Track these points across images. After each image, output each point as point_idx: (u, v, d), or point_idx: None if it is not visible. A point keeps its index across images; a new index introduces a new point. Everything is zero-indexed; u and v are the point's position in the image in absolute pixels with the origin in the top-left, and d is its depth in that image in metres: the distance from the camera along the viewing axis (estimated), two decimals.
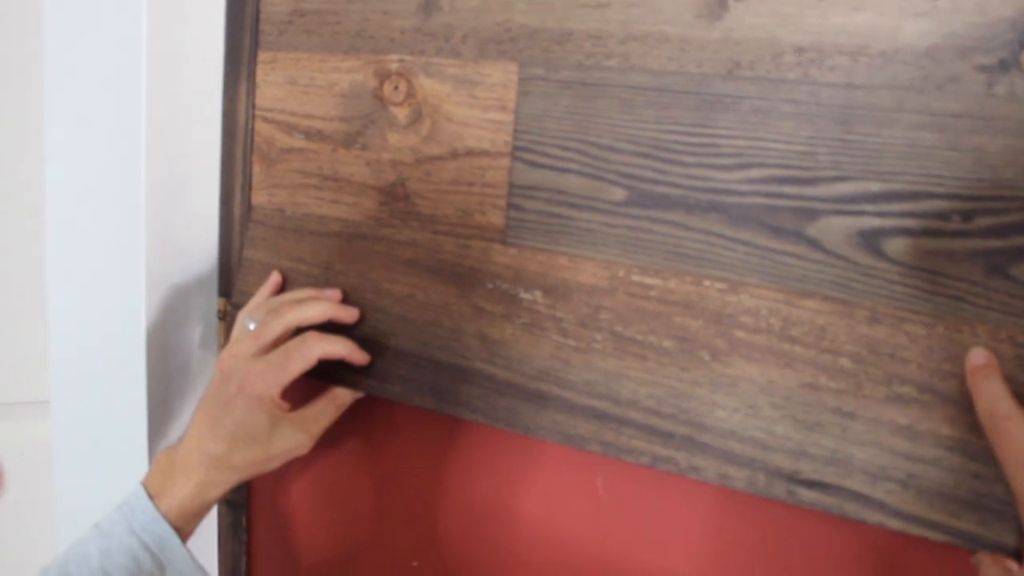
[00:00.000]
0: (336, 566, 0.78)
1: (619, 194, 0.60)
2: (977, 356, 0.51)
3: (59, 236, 0.75)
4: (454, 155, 0.65)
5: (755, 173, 0.56)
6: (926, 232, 0.52)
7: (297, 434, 0.63)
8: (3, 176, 0.91)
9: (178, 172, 0.73)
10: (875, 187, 0.53)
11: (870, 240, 0.53)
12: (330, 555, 0.78)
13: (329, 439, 0.74)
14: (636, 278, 0.60)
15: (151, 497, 0.64)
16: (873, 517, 0.53)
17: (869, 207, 0.53)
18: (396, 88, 0.67)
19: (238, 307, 0.74)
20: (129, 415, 0.77)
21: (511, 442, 0.67)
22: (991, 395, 0.49)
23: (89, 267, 0.75)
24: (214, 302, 0.79)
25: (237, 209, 0.76)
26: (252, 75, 0.73)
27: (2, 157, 0.91)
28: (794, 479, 0.55)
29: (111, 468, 0.79)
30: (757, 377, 0.56)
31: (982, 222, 0.51)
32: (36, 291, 0.81)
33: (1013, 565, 0.48)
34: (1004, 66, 0.49)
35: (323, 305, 0.67)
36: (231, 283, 0.78)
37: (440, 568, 0.72)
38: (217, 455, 0.63)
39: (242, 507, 0.81)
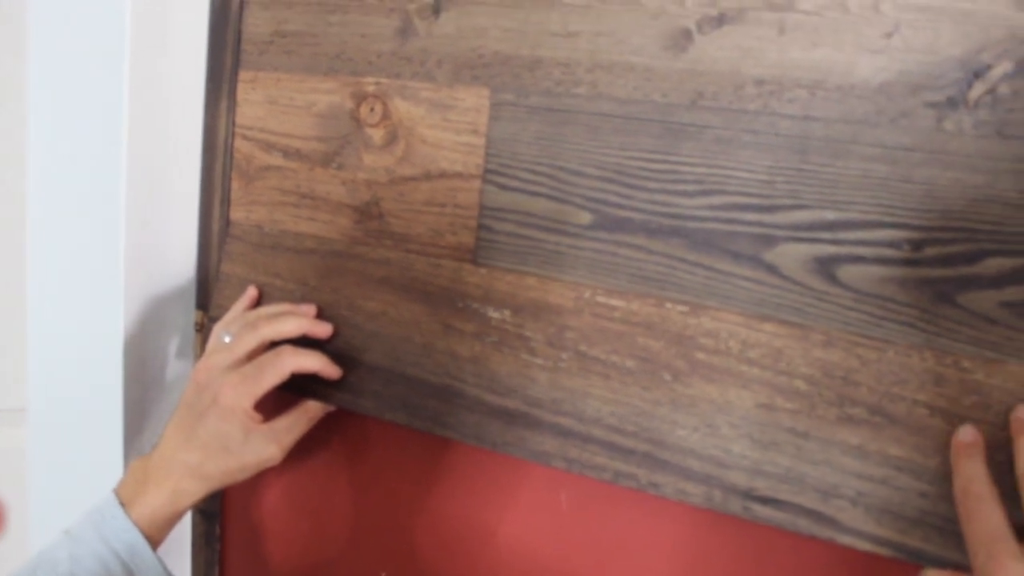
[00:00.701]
0: (306, 574, 0.79)
1: (586, 218, 0.61)
2: (964, 434, 0.52)
3: (39, 248, 0.76)
4: (427, 176, 0.67)
5: (716, 200, 0.58)
6: (878, 260, 0.54)
7: (269, 445, 0.65)
8: None
9: (158, 186, 0.75)
10: (830, 216, 0.55)
11: (825, 267, 0.55)
12: (301, 565, 0.79)
13: (303, 451, 0.76)
14: (601, 299, 0.61)
15: (123, 504, 0.65)
16: (824, 533, 0.55)
17: (825, 235, 0.55)
18: (372, 110, 0.68)
19: (215, 320, 0.76)
20: (105, 424, 0.78)
21: (480, 457, 0.69)
22: (969, 474, 0.50)
23: (68, 278, 0.76)
24: (191, 315, 0.80)
25: (216, 224, 0.77)
26: (233, 93, 0.75)
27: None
28: (749, 496, 0.57)
29: (86, 475, 0.80)
30: (716, 397, 0.58)
31: (931, 252, 0.53)
32: (15, 301, 0.82)
33: None
34: (952, 103, 0.52)
35: (298, 320, 0.68)
36: (208, 296, 0.79)
37: None
38: (190, 464, 0.64)
39: (215, 516, 0.82)
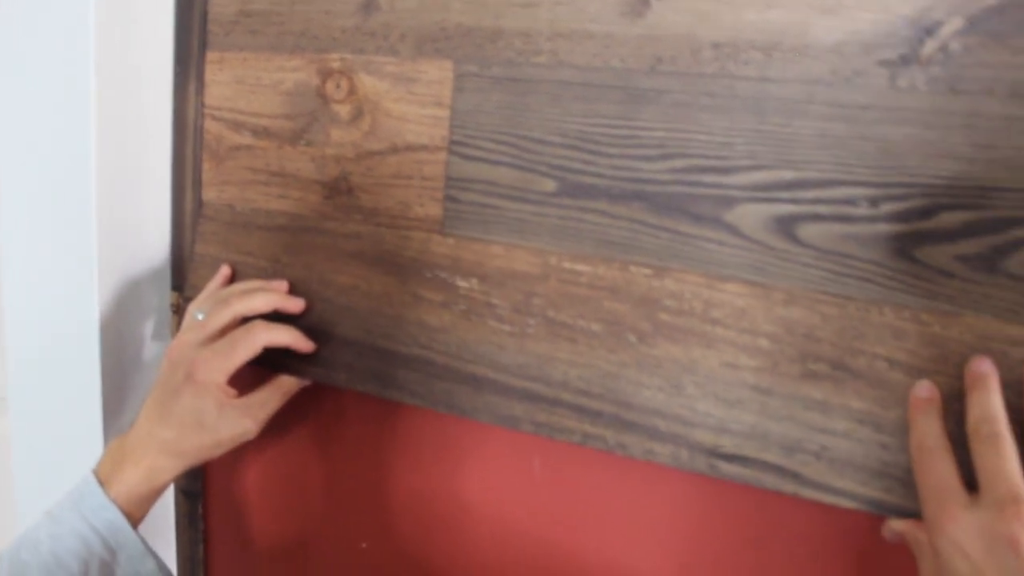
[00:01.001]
0: (290, 549, 0.80)
1: (550, 185, 0.62)
2: (920, 389, 0.53)
3: (10, 235, 0.76)
4: (394, 150, 0.67)
5: (677, 163, 0.58)
6: (836, 218, 0.55)
7: (243, 420, 0.65)
8: None
9: (129, 169, 0.75)
10: (788, 175, 0.56)
11: (785, 226, 0.56)
12: (284, 539, 0.80)
13: (281, 427, 0.76)
14: (567, 265, 0.62)
15: (101, 483, 0.65)
16: (788, 488, 0.56)
17: (783, 194, 0.56)
18: (338, 86, 0.69)
19: (190, 300, 0.76)
20: (84, 407, 0.78)
21: (453, 425, 0.70)
22: (923, 430, 0.51)
23: (42, 264, 0.76)
24: (167, 296, 0.80)
25: (188, 205, 0.78)
26: (201, 75, 0.75)
27: None
28: (715, 453, 0.58)
29: (68, 459, 0.80)
30: (680, 358, 0.59)
31: (888, 208, 0.54)
32: None
33: None
34: (905, 61, 0.52)
35: (269, 295, 0.69)
36: (183, 277, 0.80)
37: (387, 549, 0.74)
38: (166, 441, 0.65)
39: (198, 496, 0.83)
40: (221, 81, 0.75)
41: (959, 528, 0.47)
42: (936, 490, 0.49)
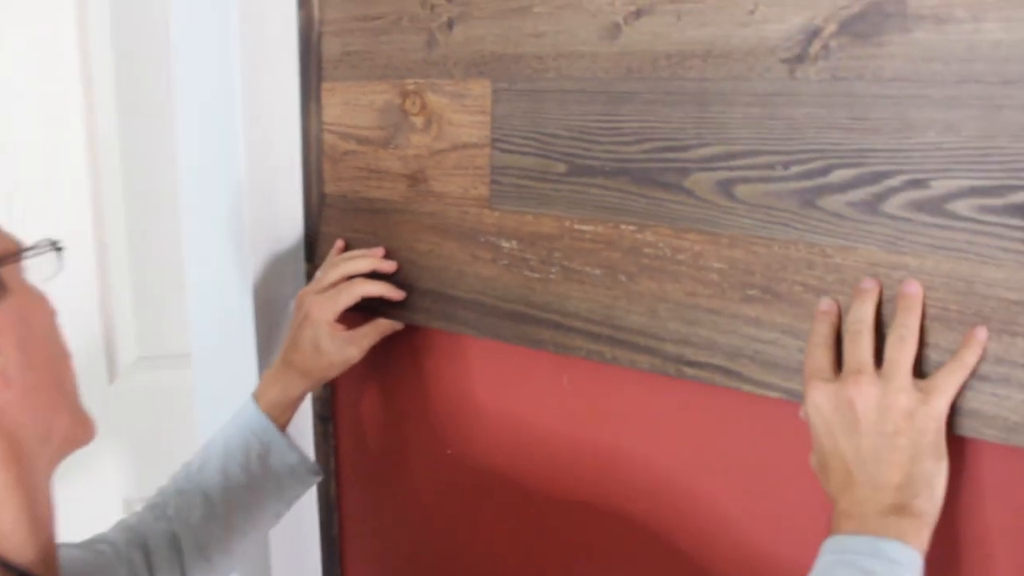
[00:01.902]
0: (396, 457, 1.04)
1: (561, 168, 0.84)
2: (822, 303, 0.70)
3: (190, 224, 1.05)
4: (454, 148, 0.91)
5: (647, 146, 0.78)
6: (760, 179, 0.74)
7: (349, 347, 0.90)
8: (152, 180, 1.23)
9: (270, 172, 1.02)
10: (724, 149, 0.75)
11: (725, 187, 0.75)
12: (391, 449, 1.05)
13: (381, 364, 1.01)
14: (576, 227, 0.83)
15: (255, 399, 0.92)
16: (733, 384, 0.75)
17: (722, 164, 0.75)
18: (414, 103, 0.93)
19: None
20: (244, 353, 1.05)
21: (502, 352, 0.92)
22: (816, 330, 0.69)
23: (211, 246, 1.04)
24: (302, 266, 1.07)
25: (314, 197, 1.04)
26: (319, 99, 1.01)
27: (151, 168, 1.23)
28: (680, 361, 0.78)
29: (234, 392, 1.08)
30: (656, 290, 0.79)
31: (796, 169, 0.72)
32: (176, 268, 1.11)
33: None
34: (799, 58, 0.71)
35: (369, 259, 0.93)
36: (314, 251, 1.06)
37: (466, 452, 0.97)
38: (294, 363, 0.90)
39: (329, 419, 1.09)
40: (333, 104, 1.00)
41: (819, 394, 0.65)
42: (810, 371, 0.67)
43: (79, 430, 0.62)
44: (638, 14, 0.77)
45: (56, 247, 0.62)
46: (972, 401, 0.66)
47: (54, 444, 0.59)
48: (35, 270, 0.61)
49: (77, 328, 1.19)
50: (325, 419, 1.09)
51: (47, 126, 1.21)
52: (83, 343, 1.29)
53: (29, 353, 0.57)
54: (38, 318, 0.59)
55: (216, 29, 0.96)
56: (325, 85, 1.00)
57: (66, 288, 1.02)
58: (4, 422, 0.55)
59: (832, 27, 0.69)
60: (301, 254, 1.06)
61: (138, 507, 0.90)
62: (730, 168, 0.75)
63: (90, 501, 1.35)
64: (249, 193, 1.00)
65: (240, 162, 0.98)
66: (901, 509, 0.60)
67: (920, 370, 0.67)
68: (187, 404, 1.21)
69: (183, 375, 1.24)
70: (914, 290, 0.67)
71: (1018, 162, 0.62)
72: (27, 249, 0.60)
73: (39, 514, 0.57)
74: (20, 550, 0.55)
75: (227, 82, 0.96)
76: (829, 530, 0.64)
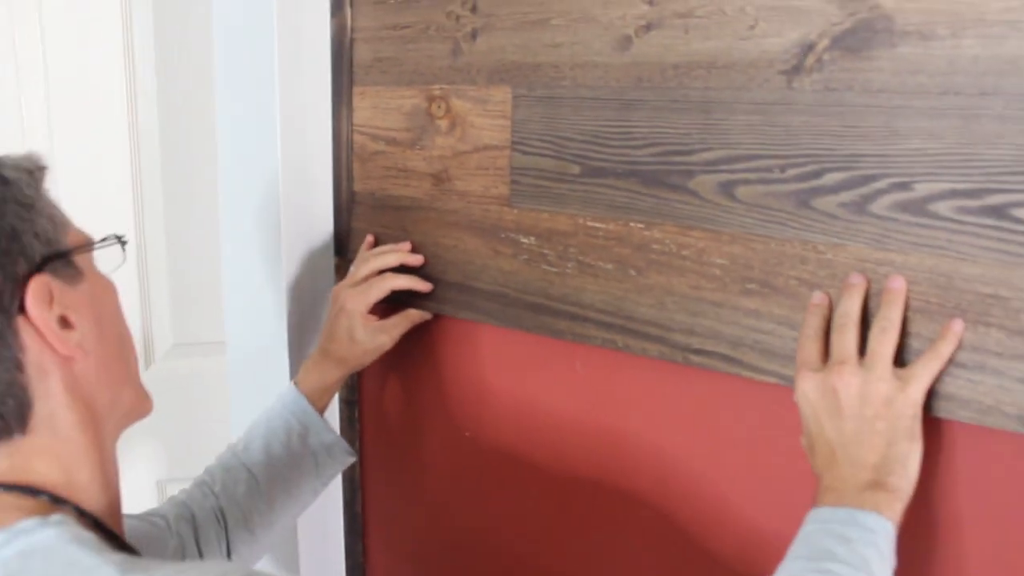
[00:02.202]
0: (416, 439, 1.11)
1: (576, 169, 0.90)
2: (815, 297, 0.76)
3: (228, 219, 1.12)
4: (477, 149, 0.97)
5: (656, 150, 0.85)
6: (760, 181, 0.80)
7: (380, 336, 0.97)
8: (189, 179, 1.31)
9: (304, 172, 1.09)
10: (726, 153, 0.81)
11: (727, 189, 0.82)
12: (413, 432, 1.12)
13: (407, 354, 1.08)
14: (590, 224, 0.90)
15: (296, 385, 0.99)
16: (733, 370, 0.82)
17: (724, 167, 0.81)
18: (439, 107, 0.99)
19: (350, 262, 1.09)
20: (277, 341, 1.12)
21: (521, 341, 0.98)
22: (807, 322, 0.75)
23: (246, 240, 1.11)
24: (331, 260, 1.14)
25: (344, 195, 1.10)
26: (350, 103, 1.08)
27: (188, 167, 1.30)
28: (687, 349, 0.84)
29: (267, 380, 1.15)
30: (664, 284, 0.86)
31: (792, 172, 0.78)
32: (209, 261, 1.19)
33: None
34: (796, 70, 0.77)
35: (397, 254, 1.00)
36: (343, 245, 1.13)
37: (483, 435, 1.04)
38: (330, 351, 0.98)
39: (355, 404, 1.16)
40: (363, 107, 1.07)
41: (807, 383, 0.71)
42: (800, 361, 0.74)
43: (140, 403, 0.70)
44: (648, 28, 0.83)
45: (121, 241, 0.69)
46: (949, 386, 0.72)
47: (119, 414, 0.67)
48: (104, 260, 0.68)
49: None
50: (351, 404, 1.17)
51: (93, 131, 1.28)
52: None
53: (101, 330, 0.64)
54: (108, 301, 0.67)
55: (255, 37, 1.03)
56: (356, 89, 1.07)
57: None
58: (82, 389, 0.62)
59: (825, 42, 0.75)
60: (331, 248, 1.13)
61: (171, 488, 0.98)
62: (731, 171, 0.81)
63: (125, 482, 1.42)
64: (284, 190, 1.07)
65: (276, 161, 1.05)
66: (877, 485, 0.67)
67: (902, 358, 0.73)
68: (218, 390, 1.28)
69: (215, 362, 1.32)
70: (898, 285, 0.73)
71: (994, 167, 0.68)
72: (98, 241, 0.67)
73: (108, 475, 0.65)
74: (94, 503, 0.63)
75: (266, 85, 1.03)
76: (814, 503, 0.70)
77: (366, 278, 0.99)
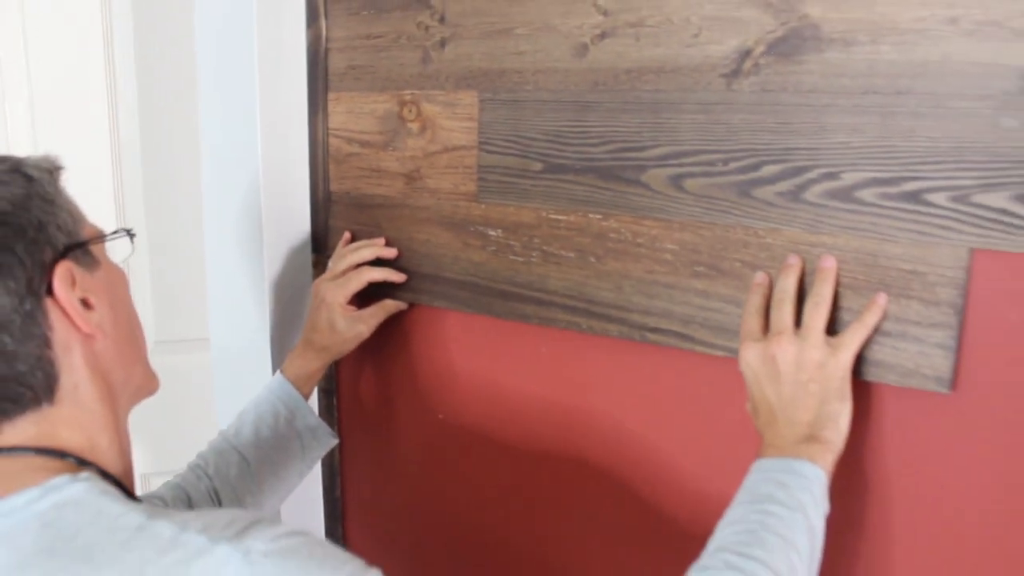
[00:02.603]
0: (391, 423, 1.18)
1: (538, 166, 0.98)
2: (756, 277, 0.84)
3: (212, 218, 1.18)
4: (446, 150, 1.05)
5: (610, 147, 0.93)
6: (704, 174, 0.88)
7: (359, 325, 1.05)
8: (170, 182, 1.37)
9: (283, 174, 1.15)
10: (674, 149, 0.89)
11: (675, 181, 0.90)
12: (387, 416, 1.19)
13: (383, 344, 1.15)
14: (552, 216, 0.98)
15: (282, 372, 1.06)
16: (686, 345, 0.90)
17: (673, 161, 0.90)
18: (410, 111, 1.07)
19: (328, 258, 1.15)
20: (259, 335, 1.19)
21: (491, 326, 1.06)
22: (749, 299, 0.84)
23: (229, 237, 1.17)
24: (309, 256, 1.20)
25: (321, 195, 1.17)
26: (325, 108, 1.15)
27: (169, 169, 1.36)
28: (643, 328, 0.93)
29: (251, 373, 1.21)
30: (620, 269, 0.94)
31: (733, 165, 0.87)
32: (190, 260, 1.25)
33: None
34: (735, 73, 0.85)
35: (373, 248, 1.07)
36: (320, 243, 1.19)
37: (455, 416, 1.11)
38: (313, 341, 1.04)
39: (333, 392, 1.23)
40: (338, 112, 1.14)
41: (749, 352, 0.80)
42: (744, 334, 0.82)
43: (149, 381, 0.76)
44: (603, 36, 0.92)
45: (130, 233, 0.76)
46: (876, 353, 0.81)
47: (131, 390, 0.74)
48: (114, 251, 0.75)
49: None
50: (329, 392, 1.23)
51: (75, 135, 1.34)
52: None
53: (116, 313, 0.71)
54: (120, 287, 0.74)
55: (236, 46, 1.09)
56: (331, 95, 1.14)
57: None
58: (101, 366, 0.69)
59: (761, 48, 0.84)
60: (309, 246, 1.20)
61: (155, 482, 1.04)
62: (679, 165, 0.89)
63: None
64: (265, 191, 1.13)
65: (257, 163, 1.12)
66: (811, 439, 0.75)
67: (834, 328, 0.82)
68: (201, 387, 1.34)
69: (198, 359, 1.38)
70: (829, 264, 0.82)
71: (909, 158, 0.77)
72: (110, 234, 0.74)
73: (123, 444, 0.72)
74: (112, 467, 0.69)
75: (247, 92, 1.10)
76: (757, 458, 0.78)
77: (344, 272, 1.06)
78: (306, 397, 1.07)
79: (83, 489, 0.63)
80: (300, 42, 1.14)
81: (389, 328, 1.13)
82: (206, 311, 1.28)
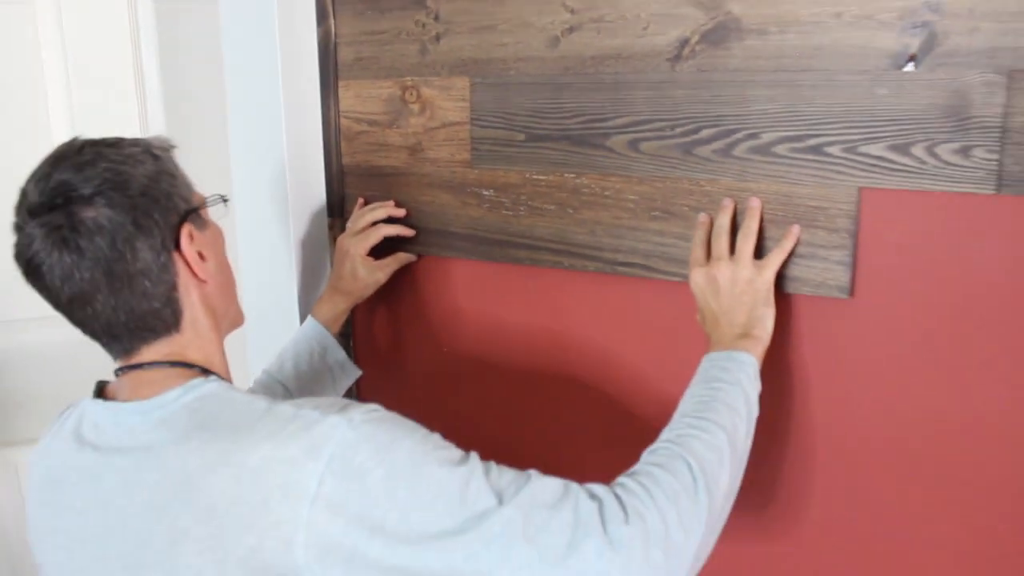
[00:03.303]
0: (402, 357, 1.41)
1: (521, 137, 1.21)
2: (700, 216, 1.09)
3: (240, 185, 1.39)
4: (443, 126, 1.27)
5: (581, 119, 1.16)
6: (656, 138, 1.12)
7: (377, 272, 1.27)
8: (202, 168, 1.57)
9: (303, 151, 1.37)
10: (631, 119, 1.13)
11: (633, 145, 1.13)
12: (399, 353, 1.42)
13: (395, 291, 1.37)
14: (535, 177, 1.21)
15: (312, 316, 1.28)
16: (650, 275, 1.14)
17: (631, 128, 1.13)
18: (411, 94, 1.29)
19: (343, 221, 1.37)
20: (287, 290, 1.41)
21: (490, 271, 1.29)
22: (696, 235, 1.07)
23: (261, 205, 1.39)
24: (325, 219, 1.42)
25: (334, 168, 1.39)
26: (336, 93, 1.36)
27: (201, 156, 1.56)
28: (614, 263, 1.17)
29: (282, 319, 1.43)
30: (593, 217, 1.17)
31: (679, 130, 1.10)
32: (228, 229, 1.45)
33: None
34: (677, 58, 1.09)
35: (385, 208, 1.30)
36: (333, 209, 1.41)
37: (458, 347, 1.35)
38: (338, 287, 1.27)
39: (349, 336, 1.46)
40: (348, 96, 1.35)
41: (696, 274, 1.04)
42: (692, 261, 1.06)
43: (239, 316, 0.99)
44: (571, 30, 1.14)
45: (224, 199, 0.97)
46: (793, 271, 1.05)
47: (228, 322, 0.96)
48: (214, 213, 0.96)
49: None
50: (346, 336, 1.46)
51: (108, 127, 1.53)
52: None
53: (219, 263, 0.93)
54: (220, 243, 0.95)
55: (259, 45, 1.30)
56: (341, 82, 1.36)
57: None
58: (211, 303, 0.91)
59: (696, 38, 1.07)
60: (325, 211, 1.42)
61: None
62: (636, 132, 1.13)
63: None
64: (288, 165, 1.35)
65: (281, 143, 1.33)
66: (745, 336, 1.00)
67: (760, 253, 1.06)
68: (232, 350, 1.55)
69: None
70: (755, 204, 1.06)
71: (811, 119, 1.02)
72: (210, 198, 0.95)
73: (226, 363, 0.94)
74: (224, 376, 0.91)
75: (270, 82, 1.31)
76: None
77: (363, 229, 1.28)
78: (334, 334, 1.29)
79: (215, 386, 0.85)
80: (312, 38, 1.34)
81: (400, 277, 1.35)
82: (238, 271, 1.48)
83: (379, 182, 1.35)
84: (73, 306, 0.84)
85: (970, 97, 0.93)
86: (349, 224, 1.31)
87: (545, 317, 1.26)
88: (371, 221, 1.29)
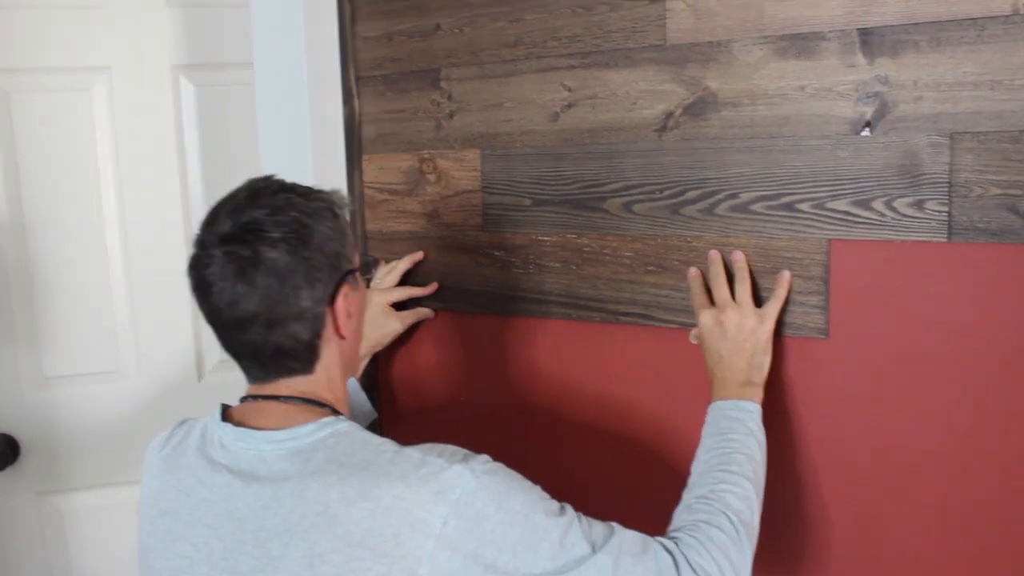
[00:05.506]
0: (420, 403, 1.53)
1: (527, 202, 1.34)
2: (691, 271, 1.21)
3: None
4: (457, 194, 1.41)
5: (580, 184, 1.29)
6: (646, 200, 1.25)
7: (395, 322, 1.40)
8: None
9: None
10: (624, 184, 1.26)
11: (627, 207, 1.26)
12: (419, 399, 1.53)
13: (416, 342, 1.50)
14: (540, 238, 1.34)
15: None
16: (649, 323, 1.26)
17: (624, 192, 1.26)
18: (428, 166, 1.43)
19: (368, 280, 1.50)
20: None
21: (499, 324, 1.41)
22: (691, 286, 1.19)
23: None
24: None
25: (359, 232, 1.53)
26: (360, 166, 1.50)
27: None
28: (616, 313, 1.29)
29: None
30: (594, 273, 1.30)
31: (667, 192, 1.23)
32: None
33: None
34: (664, 127, 1.22)
35: (407, 260, 1.43)
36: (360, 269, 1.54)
37: (475, 396, 1.46)
38: (363, 333, 1.39)
39: (372, 389, 1.58)
40: (371, 169, 1.50)
41: (705, 316, 1.15)
42: (697, 306, 1.17)
43: (357, 368, 1.17)
44: (569, 106, 1.28)
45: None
46: (789, 317, 1.17)
47: (351, 371, 1.07)
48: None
49: (174, 337, 1.67)
50: (370, 389, 1.58)
51: (153, 199, 1.69)
52: (178, 349, 1.75)
53: (359, 323, 1.04)
54: (364, 305, 1.07)
55: (292, 123, 1.45)
56: (365, 156, 1.50)
57: (168, 306, 1.51)
58: (344, 356, 1.01)
59: (679, 111, 1.20)
60: None
61: None
62: (629, 195, 1.26)
63: None
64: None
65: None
66: (747, 383, 1.11)
67: (758, 302, 1.17)
68: None
69: None
70: (739, 256, 1.18)
71: (782, 180, 1.14)
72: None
73: (348, 409, 1.04)
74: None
75: (301, 157, 1.45)
76: (710, 397, 1.13)
77: (389, 287, 1.42)
78: (359, 378, 1.41)
79: (347, 426, 0.95)
80: (339, 117, 1.49)
81: (421, 332, 1.48)
82: None
83: (400, 246, 1.48)
84: (228, 328, 0.94)
85: (920, 157, 1.06)
86: (375, 281, 1.44)
87: (555, 364, 1.38)
88: (400, 274, 1.42)
